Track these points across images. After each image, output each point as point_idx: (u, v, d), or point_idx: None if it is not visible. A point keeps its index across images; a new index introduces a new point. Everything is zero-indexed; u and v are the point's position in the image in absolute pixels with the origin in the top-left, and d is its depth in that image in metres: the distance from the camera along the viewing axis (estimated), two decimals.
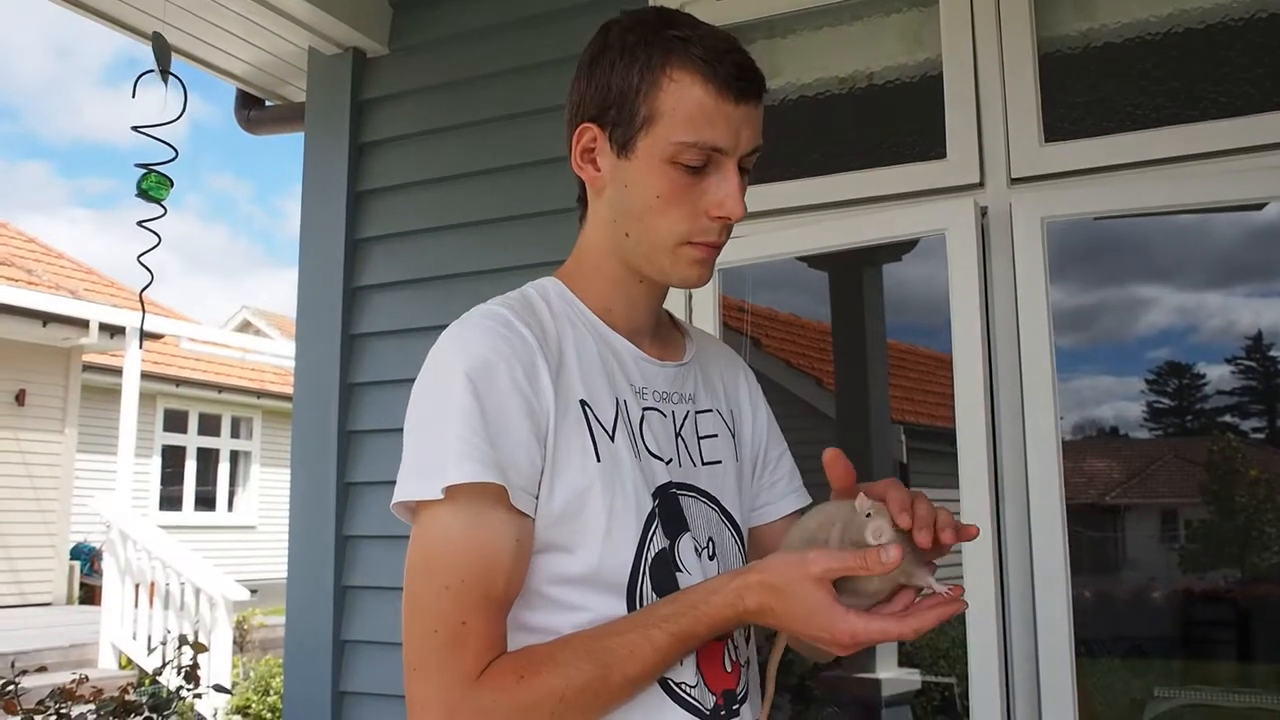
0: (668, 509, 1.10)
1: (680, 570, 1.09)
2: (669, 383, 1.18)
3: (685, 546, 1.10)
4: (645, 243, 1.11)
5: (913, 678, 4.15)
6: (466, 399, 1.00)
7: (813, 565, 0.95)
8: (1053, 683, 2.06)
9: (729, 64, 1.06)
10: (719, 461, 1.20)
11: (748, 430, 1.29)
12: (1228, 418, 3.71)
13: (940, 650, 4.24)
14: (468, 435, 0.99)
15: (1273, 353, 3.44)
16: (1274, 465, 3.58)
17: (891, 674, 3.96)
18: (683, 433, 1.17)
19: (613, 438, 1.08)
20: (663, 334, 1.24)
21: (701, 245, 1.10)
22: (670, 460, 1.13)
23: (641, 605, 1.05)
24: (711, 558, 1.13)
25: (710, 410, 1.23)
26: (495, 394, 1.01)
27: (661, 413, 1.15)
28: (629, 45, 1.09)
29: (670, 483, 1.11)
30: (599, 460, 1.06)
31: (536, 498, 1.03)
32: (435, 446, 1.01)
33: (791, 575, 0.96)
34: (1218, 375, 3.74)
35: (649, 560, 1.06)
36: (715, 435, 1.22)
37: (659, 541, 1.07)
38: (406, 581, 1.02)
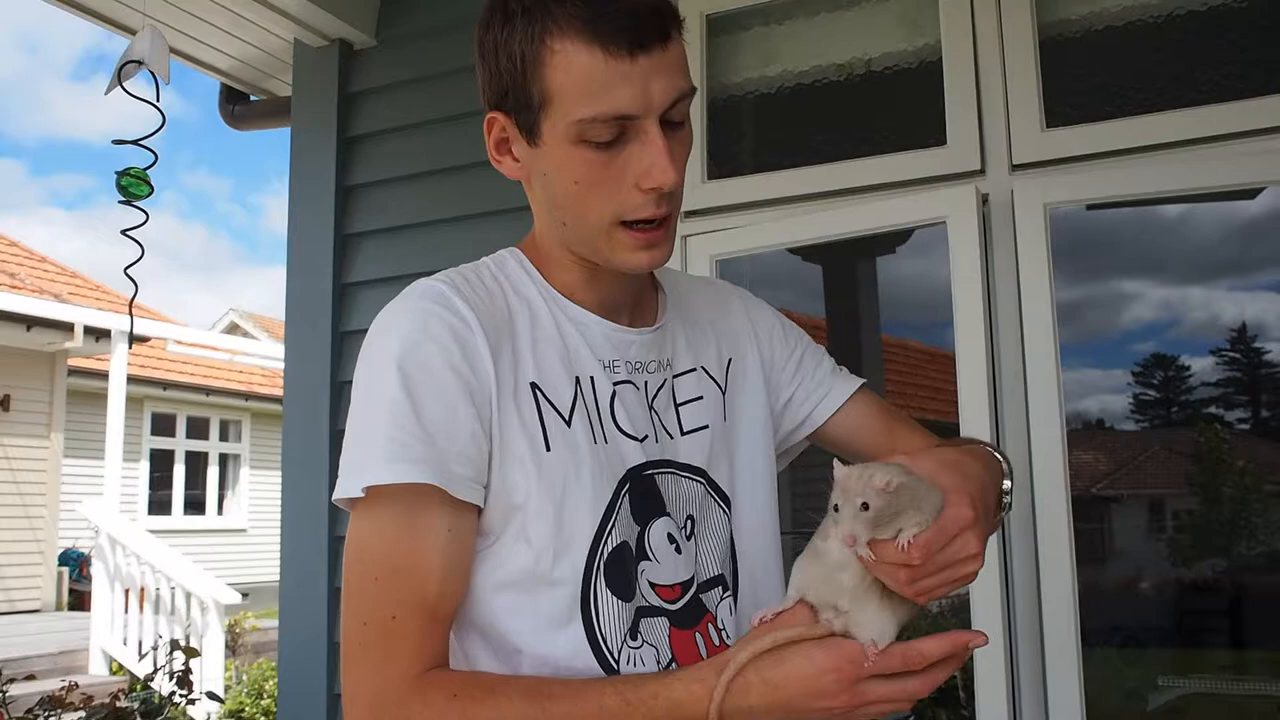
0: (641, 492, 1.04)
1: (648, 559, 1.03)
2: (643, 351, 1.10)
3: (657, 532, 1.04)
4: (581, 230, 1.02)
5: None
6: (397, 392, 0.95)
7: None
8: (1059, 672, 2.04)
9: (615, 14, 0.92)
10: (704, 427, 1.12)
11: (752, 359, 1.20)
12: (1213, 409, 3.77)
13: None
14: (397, 433, 0.94)
15: (1256, 344, 3.49)
16: (1260, 455, 3.62)
17: None
18: (655, 404, 1.09)
19: (569, 423, 1.02)
20: (643, 299, 1.14)
21: (639, 226, 0.99)
22: (645, 437, 1.06)
23: (595, 604, 0.99)
24: (689, 537, 1.07)
25: (693, 370, 1.14)
26: (430, 381, 0.96)
27: (635, 385, 1.08)
28: (509, 15, 0.98)
29: (645, 463, 1.05)
30: (549, 449, 0.99)
31: (487, 486, 0.97)
32: (366, 443, 0.96)
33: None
34: (1201, 367, 3.79)
35: (604, 557, 1.00)
36: (699, 398, 1.13)
37: (620, 534, 1.01)
38: (343, 576, 0.98)
